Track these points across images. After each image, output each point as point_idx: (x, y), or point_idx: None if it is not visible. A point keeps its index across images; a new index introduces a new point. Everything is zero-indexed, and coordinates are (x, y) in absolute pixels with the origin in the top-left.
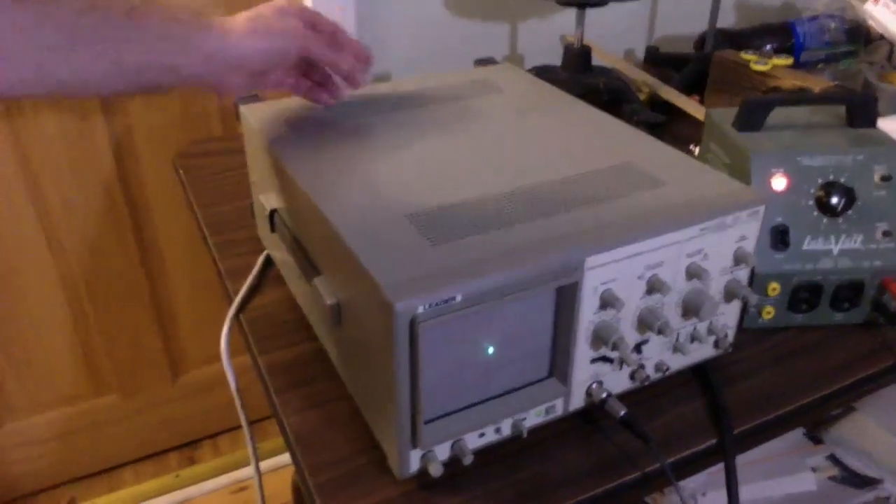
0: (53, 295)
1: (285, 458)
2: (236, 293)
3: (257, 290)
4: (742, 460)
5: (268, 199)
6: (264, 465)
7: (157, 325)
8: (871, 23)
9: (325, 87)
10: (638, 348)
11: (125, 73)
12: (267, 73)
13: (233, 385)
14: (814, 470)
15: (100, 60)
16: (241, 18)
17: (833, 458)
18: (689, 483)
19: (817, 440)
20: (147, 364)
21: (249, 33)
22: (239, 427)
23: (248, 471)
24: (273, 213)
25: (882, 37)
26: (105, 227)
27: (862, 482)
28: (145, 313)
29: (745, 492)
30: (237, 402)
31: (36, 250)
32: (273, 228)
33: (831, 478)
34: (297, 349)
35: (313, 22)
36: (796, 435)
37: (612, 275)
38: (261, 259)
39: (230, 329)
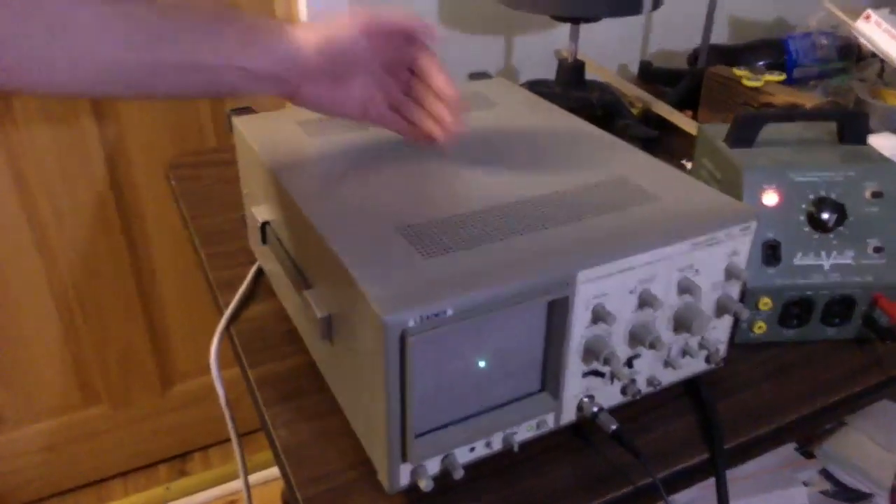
0: (44, 305)
1: (277, 470)
2: (227, 305)
3: (248, 302)
4: (735, 475)
5: (259, 211)
6: (257, 476)
7: (149, 335)
8: (862, 40)
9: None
10: (629, 363)
11: (200, 73)
12: (345, 77)
13: (222, 398)
14: (806, 484)
15: (177, 60)
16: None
17: (825, 473)
18: (682, 497)
19: (809, 455)
20: (138, 375)
21: (310, 28)
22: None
23: (239, 483)
24: (265, 225)
25: (873, 54)
26: (97, 237)
27: (853, 497)
28: (136, 324)
29: None
30: (226, 415)
31: (27, 260)
32: (265, 240)
33: (823, 492)
34: (287, 362)
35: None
36: (788, 450)
37: (604, 289)
38: (252, 271)
39: (220, 341)
